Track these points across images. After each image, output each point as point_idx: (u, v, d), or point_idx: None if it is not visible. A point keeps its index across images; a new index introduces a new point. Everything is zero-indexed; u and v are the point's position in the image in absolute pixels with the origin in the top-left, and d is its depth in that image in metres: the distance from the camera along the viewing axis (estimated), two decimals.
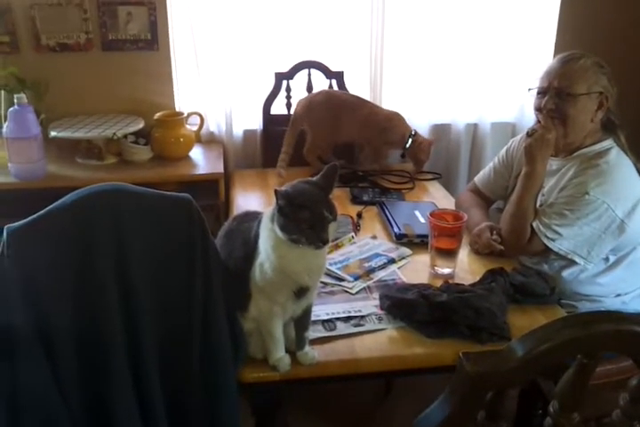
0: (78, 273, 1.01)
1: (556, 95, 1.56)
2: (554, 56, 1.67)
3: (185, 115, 2.28)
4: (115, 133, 2.16)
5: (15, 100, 1.93)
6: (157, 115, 2.24)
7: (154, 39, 2.31)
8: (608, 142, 1.60)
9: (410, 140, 2.17)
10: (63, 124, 2.24)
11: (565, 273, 1.59)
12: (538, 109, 1.61)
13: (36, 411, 1.00)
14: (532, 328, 0.75)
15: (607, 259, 1.60)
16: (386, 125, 2.17)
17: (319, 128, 2.18)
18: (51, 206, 1.00)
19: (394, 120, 2.19)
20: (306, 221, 1.05)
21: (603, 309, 1.60)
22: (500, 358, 0.71)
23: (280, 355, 1.17)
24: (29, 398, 0.99)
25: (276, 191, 1.05)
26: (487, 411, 0.75)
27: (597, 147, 1.60)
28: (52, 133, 2.15)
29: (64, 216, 1.00)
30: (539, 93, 1.61)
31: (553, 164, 1.64)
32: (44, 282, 0.98)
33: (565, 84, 1.54)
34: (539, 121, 1.61)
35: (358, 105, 2.19)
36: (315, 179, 1.12)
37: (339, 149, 2.31)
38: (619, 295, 1.63)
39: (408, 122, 2.25)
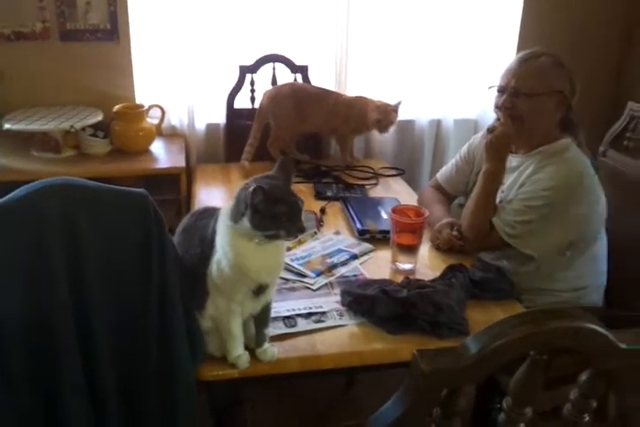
0: (28, 267, 0.98)
1: (513, 94, 1.58)
2: (516, 54, 1.69)
3: (145, 107, 2.24)
4: (72, 126, 2.11)
5: None
6: (117, 107, 2.19)
7: (113, 29, 2.26)
8: (566, 140, 1.62)
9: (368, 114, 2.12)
10: (18, 115, 2.17)
11: (524, 268, 1.61)
12: (497, 107, 1.63)
13: None
14: (491, 323, 0.76)
15: (565, 254, 1.62)
16: (348, 113, 2.16)
17: (283, 120, 2.16)
18: None
19: (356, 106, 2.16)
20: (284, 214, 1.04)
21: (561, 303, 1.63)
22: (454, 356, 0.71)
23: (239, 352, 1.15)
24: None
25: (254, 190, 1.02)
26: (442, 408, 0.76)
27: (556, 144, 1.62)
28: (6, 126, 2.09)
29: (13, 211, 0.97)
30: (498, 92, 1.63)
31: (513, 160, 1.66)
32: None
33: (522, 83, 1.56)
34: (499, 118, 1.62)
35: (323, 96, 2.18)
36: (272, 173, 1.11)
37: (304, 143, 2.30)
38: (577, 290, 1.66)
39: None
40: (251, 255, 1.07)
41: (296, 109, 2.14)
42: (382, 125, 2.13)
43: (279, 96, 2.15)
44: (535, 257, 1.57)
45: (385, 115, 2.11)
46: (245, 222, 1.05)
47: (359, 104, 2.17)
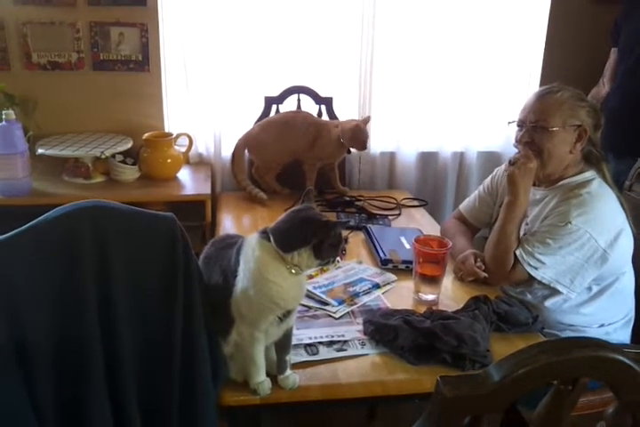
0: (58, 289, 1.00)
1: (531, 129, 1.59)
2: (539, 87, 1.71)
3: (174, 136, 2.29)
4: (102, 152, 2.16)
5: (3, 117, 1.93)
6: (146, 135, 2.24)
7: (145, 60, 2.33)
8: (590, 173, 1.62)
9: (339, 136, 2.11)
10: (51, 141, 2.24)
11: (549, 302, 1.60)
12: (517, 141, 1.64)
13: None
14: None
15: (590, 289, 1.60)
16: (316, 140, 2.15)
17: (263, 151, 2.20)
18: (32, 222, 0.99)
19: (323, 131, 2.14)
20: (340, 240, 1.13)
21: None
22: (476, 383, 0.70)
23: (261, 379, 1.15)
24: (1, 415, 0.96)
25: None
26: None
27: (579, 178, 1.62)
28: (40, 151, 2.15)
29: (46, 232, 0.99)
30: (518, 126, 1.65)
31: (536, 193, 1.66)
32: (22, 296, 0.97)
33: (539, 118, 1.57)
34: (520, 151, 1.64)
35: (293, 118, 2.18)
36: (306, 204, 1.16)
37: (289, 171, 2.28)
38: (602, 326, 1.64)
39: (397, 151, 2.22)
40: (284, 284, 1.10)
41: (272, 138, 2.16)
42: (364, 145, 2.12)
43: (252, 133, 2.19)
44: (559, 291, 1.55)
45: (364, 134, 2.09)
46: (302, 252, 1.08)
47: (325, 130, 2.14)
